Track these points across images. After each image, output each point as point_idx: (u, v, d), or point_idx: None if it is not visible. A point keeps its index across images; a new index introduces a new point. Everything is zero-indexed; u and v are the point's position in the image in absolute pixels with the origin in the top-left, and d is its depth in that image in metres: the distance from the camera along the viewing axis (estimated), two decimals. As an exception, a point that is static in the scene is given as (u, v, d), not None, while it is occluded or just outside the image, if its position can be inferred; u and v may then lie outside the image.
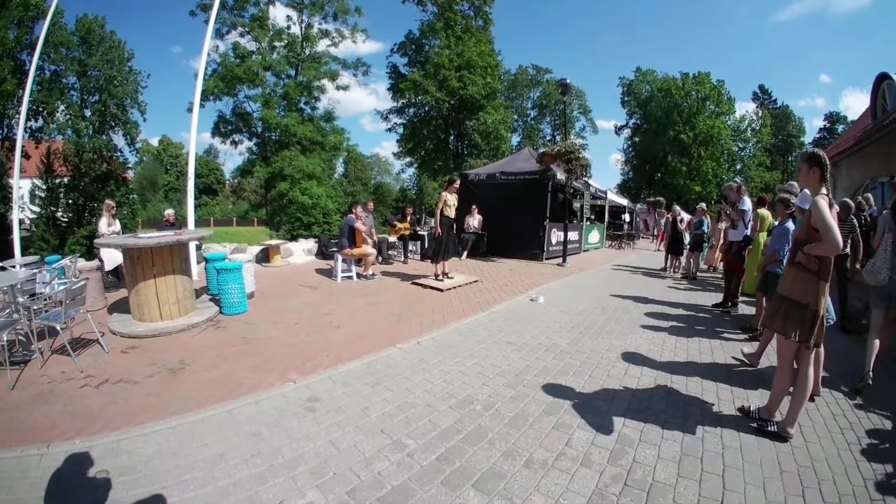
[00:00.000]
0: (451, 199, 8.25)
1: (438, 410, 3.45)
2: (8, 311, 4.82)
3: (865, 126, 12.74)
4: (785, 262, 4.09)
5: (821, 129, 48.78)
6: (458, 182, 8.60)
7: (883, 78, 12.35)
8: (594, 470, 2.72)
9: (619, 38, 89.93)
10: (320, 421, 3.28)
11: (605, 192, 18.98)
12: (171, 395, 3.74)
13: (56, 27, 21.11)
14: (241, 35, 28.92)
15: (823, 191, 2.95)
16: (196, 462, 2.76)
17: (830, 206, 2.90)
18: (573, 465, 2.76)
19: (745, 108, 50.19)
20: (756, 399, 3.71)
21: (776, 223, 5.47)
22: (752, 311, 6.39)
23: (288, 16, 30.20)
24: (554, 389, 3.88)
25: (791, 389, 3.17)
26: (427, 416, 3.35)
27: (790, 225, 5.03)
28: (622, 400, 3.70)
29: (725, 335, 5.72)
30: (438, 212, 8.17)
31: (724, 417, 3.43)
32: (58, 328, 4.44)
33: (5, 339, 4.05)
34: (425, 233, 12.82)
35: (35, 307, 4.91)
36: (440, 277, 8.40)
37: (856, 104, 71.17)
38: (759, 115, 46.89)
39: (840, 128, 42.61)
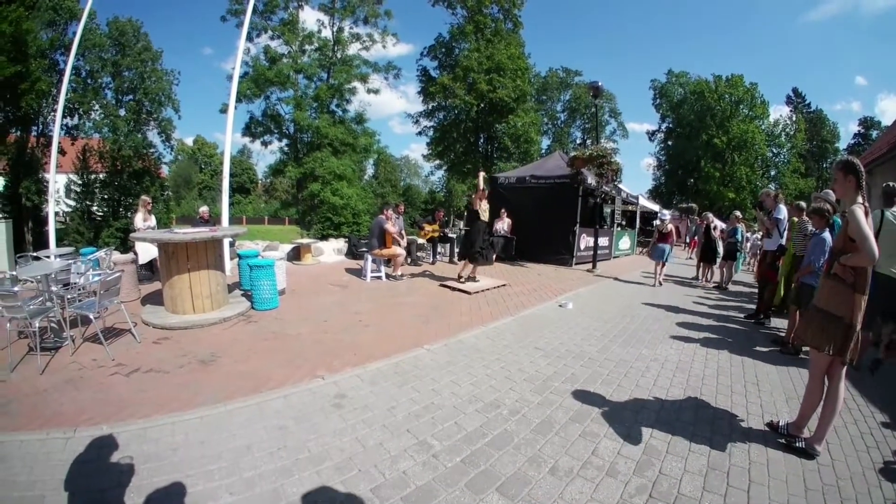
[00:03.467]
0: (485, 203, 8.38)
1: (465, 413, 3.49)
2: (41, 298, 5.01)
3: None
4: (821, 273, 4.01)
5: (855, 134, 46.76)
6: (487, 191, 8.72)
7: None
8: (619, 480, 2.71)
9: (649, 39, 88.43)
10: (347, 418, 3.35)
11: (637, 198, 18.71)
12: (201, 386, 3.86)
13: (89, 29, 21.80)
14: (272, 38, 29.44)
15: (860, 199, 2.87)
16: (223, 452, 2.85)
17: (867, 214, 2.84)
18: (599, 475, 2.76)
19: (778, 112, 48.67)
20: (786, 414, 3.63)
21: (813, 232, 5.33)
22: (784, 321, 6.26)
23: (319, 20, 30.62)
24: (582, 397, 3.87)
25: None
26: (453, 419, 3.39)
27: (826, 235, 4.92)
28: (650, 410, 3.67)
29: (757, 348, 5.59)
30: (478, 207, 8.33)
31: (752, 432, 3.38)
32: (91, 317, 4.61)
33: (37, 325, 4.22)
34: (454, 235, 12.86)
35: (68, 296, 5.11)
36: (462, 280, 8.48)
37: (892, 108, 68.19)
38: (794, 119, 45.52)
39: (874, 133, 40.93)
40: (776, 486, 2.71)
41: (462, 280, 8.47)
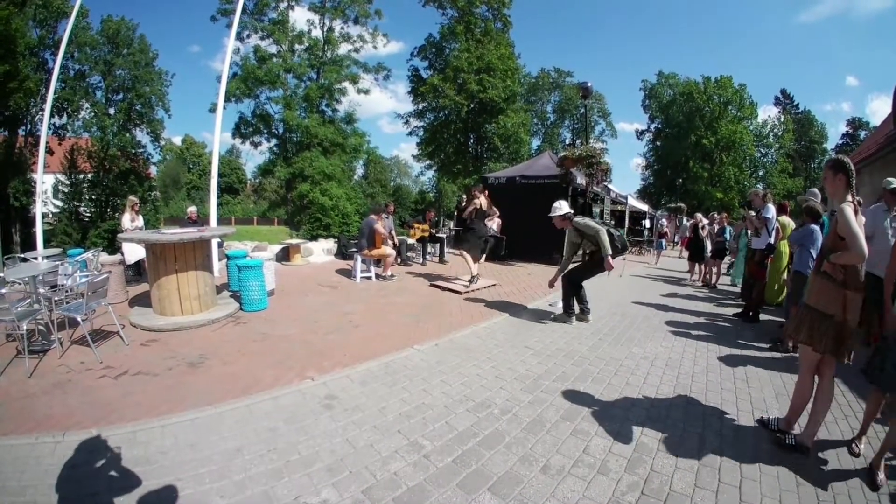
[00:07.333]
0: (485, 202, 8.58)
1: (455, 413, 3.47)
2: (29, 301, 4.92)
3: (888, 132, 12.37)
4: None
5: (843, 134, 47.23)
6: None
7: (904, 83, 11.96)
8: (611, 478, 2.71)
9: (639, 40, 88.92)
10: (337, 419, 3.32)
11: (626, 197, 18.80)
12: (190, 389, 3.81)
13: (80, 28, 21.56)
14: (262, 38, 29.34)
15: (849, 198, 2.89)
16: (212, 455, 2.81)
17: (856, 213, 2.86)
18: (590, 473, 2.75)
19: (767, 113, 49.22)
20: (776, 410, 3.65)
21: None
22: (771, 318, 6.30)
23: (309, 20, 30.57)
24: (572, 395, 3.87)
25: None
26: (444, 418, 3.37)
27: (809, 228, 5.09)
28: (641, 408, 3.68)
29: (746, 345, 5.63)
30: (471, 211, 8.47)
31: (742, 428, 3.39)
32: (79, 319, 4.55)
33: (25, 328, 4.16)
34: (444, 235, 12.83)
35: (56, 298, 5.03)
36: (475, 278, 8.42)
37: (882, 108, 68.59)
38: (781, 119, 46.04)
39: (863, 134, 41.41)
40: (768, 482, 2.72)
41: (474, 277, 8.45)
